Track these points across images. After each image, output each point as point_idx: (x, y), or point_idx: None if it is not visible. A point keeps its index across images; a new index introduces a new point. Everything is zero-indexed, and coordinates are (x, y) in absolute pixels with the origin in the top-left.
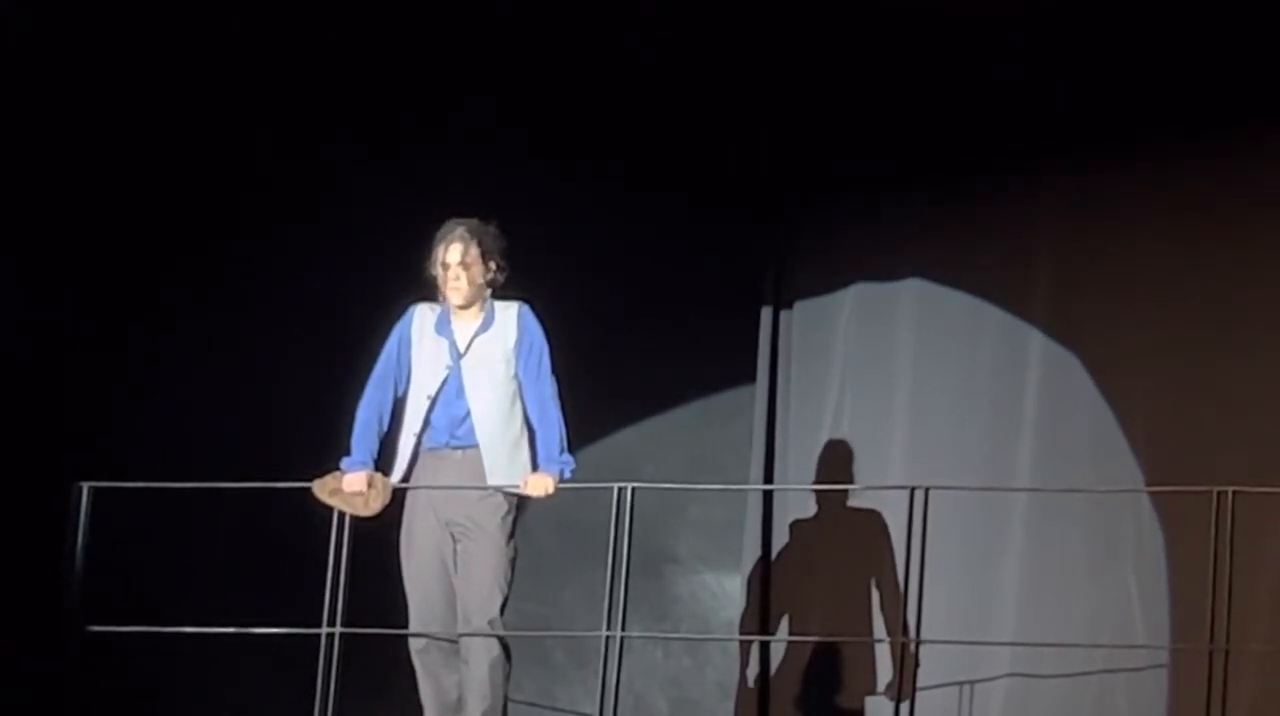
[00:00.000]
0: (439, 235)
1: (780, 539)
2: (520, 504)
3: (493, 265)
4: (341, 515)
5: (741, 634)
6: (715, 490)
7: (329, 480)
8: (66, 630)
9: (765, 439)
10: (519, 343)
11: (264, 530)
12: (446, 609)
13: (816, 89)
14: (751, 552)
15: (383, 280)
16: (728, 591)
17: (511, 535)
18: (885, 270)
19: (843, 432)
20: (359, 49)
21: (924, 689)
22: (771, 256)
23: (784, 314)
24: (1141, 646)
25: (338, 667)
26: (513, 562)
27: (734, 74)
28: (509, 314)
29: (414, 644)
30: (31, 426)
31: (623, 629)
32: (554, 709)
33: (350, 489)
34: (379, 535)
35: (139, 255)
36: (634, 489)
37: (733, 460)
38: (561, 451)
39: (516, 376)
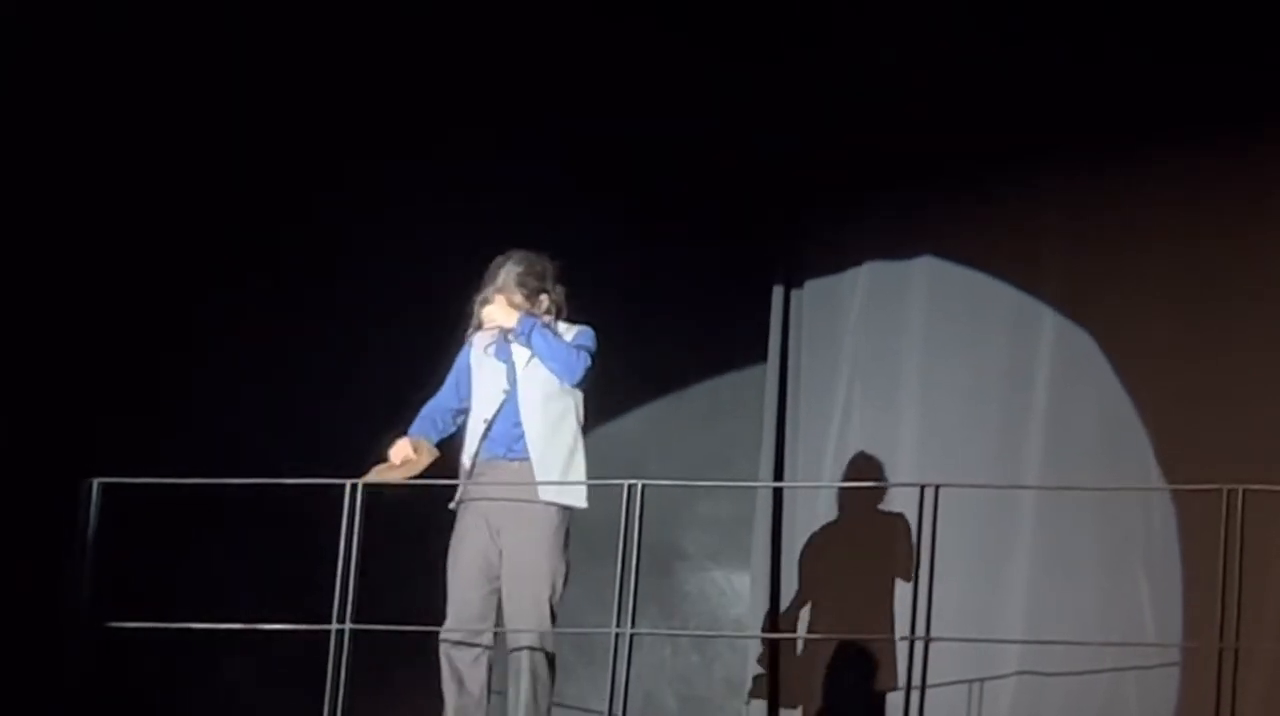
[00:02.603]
0: (488, 277)
1: (790, 535)
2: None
3: (544, 300)
4: (351, 512)
5: (750, 630)
6: (725, 487)
7: (375, 469)
8: (75, 626)
9: (775, 431)
10: None
11: (274, 527)
12: (481, 617)
13: (829, 68)
14: (761, 549)
15: (394, 287)
16: (737, 588)
17: (565, 546)
18: (898, 249)
19: (854, 420)
20: (386, 62)
21: (934, 686)
22: (783, 235)
23: (795, 294)
24: (1152, 644)
25: (348, 664)
26: (565, 576)
27: (744, 55)
28: (569, 336)
29: (447, 636)
30: (41, 421)
31: (632, 626)
32: (563, 706)
33: (397, 457)
34: (388, 532)
35: (149, 251)
36: (644, 486)
37: (741, 455)
38: (550, 345)
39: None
